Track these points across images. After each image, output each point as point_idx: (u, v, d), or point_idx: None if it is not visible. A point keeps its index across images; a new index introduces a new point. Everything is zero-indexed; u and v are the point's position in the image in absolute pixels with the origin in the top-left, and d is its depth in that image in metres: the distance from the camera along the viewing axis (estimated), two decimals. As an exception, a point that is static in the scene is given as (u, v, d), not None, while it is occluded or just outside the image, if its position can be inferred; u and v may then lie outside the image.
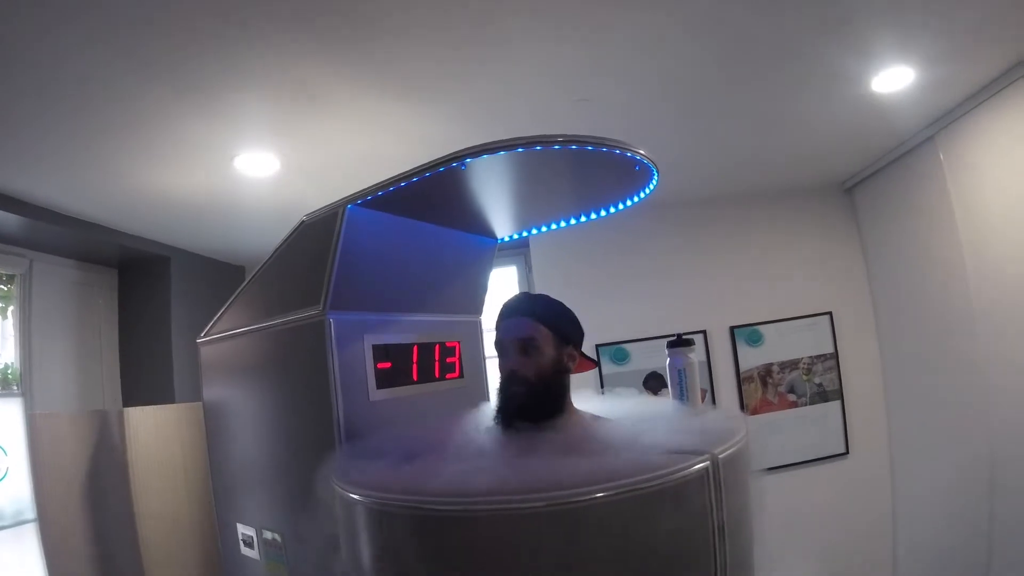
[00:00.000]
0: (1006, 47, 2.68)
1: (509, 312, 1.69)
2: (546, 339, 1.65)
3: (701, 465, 1.24)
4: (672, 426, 1.50)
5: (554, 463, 1.29)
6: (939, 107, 3.26)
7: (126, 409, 2.43)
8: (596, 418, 1.68)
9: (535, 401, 1.61)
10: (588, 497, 1.15)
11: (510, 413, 1.60)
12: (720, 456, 1.28)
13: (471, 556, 1.20)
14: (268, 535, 1.99)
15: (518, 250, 4.72)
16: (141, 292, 4.19)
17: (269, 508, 2.00)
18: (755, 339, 4.38)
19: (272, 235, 2.00)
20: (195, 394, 2.33)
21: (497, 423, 1.62)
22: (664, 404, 1.78)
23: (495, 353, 1.71)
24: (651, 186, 1.89)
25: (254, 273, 2.04)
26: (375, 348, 1.89)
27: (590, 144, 1.53)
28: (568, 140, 1.51)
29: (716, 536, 1.25)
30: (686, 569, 1.24)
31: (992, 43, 2.63)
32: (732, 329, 4.38)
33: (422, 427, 1.71)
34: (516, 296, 1.76)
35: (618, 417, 1.66)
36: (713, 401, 4.21)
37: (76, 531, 2.28)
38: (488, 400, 2.11)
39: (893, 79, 2.82)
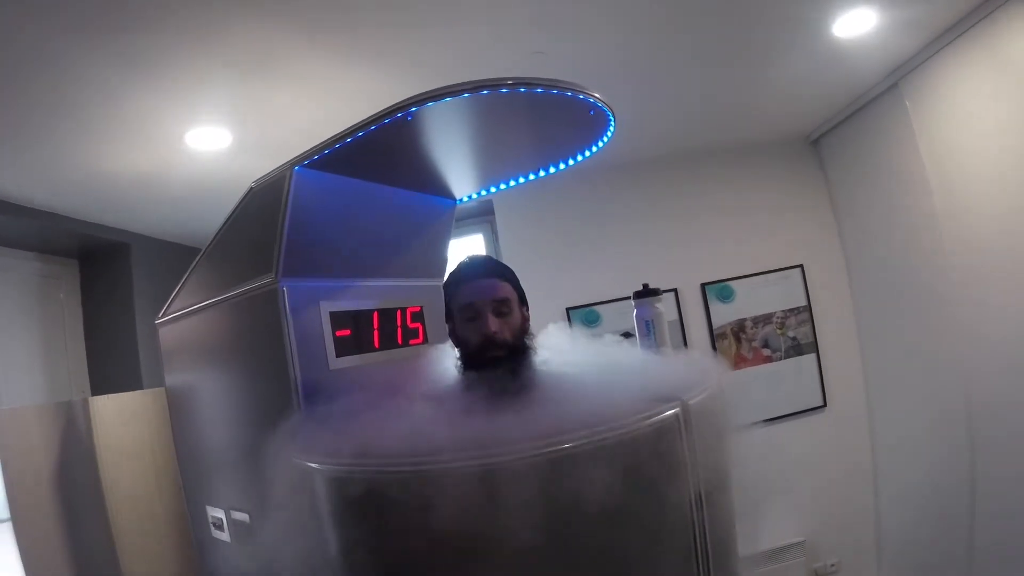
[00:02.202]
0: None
1: (475, 273, 1.63)
2: (514, 300, 1.63)
3: (670, 412, 1.21)
4: (642, 374, 1.46)
5: (527, 415, 1.25)
6: (902, 52, 3.22)
7: (91, 398, 2.37)
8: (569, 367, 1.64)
9: (515, 362, 1.56)
10: (555, 448, 1.12)
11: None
12: (690, 403, 1.25)
13: (442, 512, 1.15)
14: (237, 516, 1.94)
15: (484, 217, 4.68)
16: (103, 281, 4.10)
17: (236, 489, 1.95)
18: (727, 295, 4.36)
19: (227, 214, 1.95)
20: (162, 380, 2.28)
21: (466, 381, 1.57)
22: (631, 351, 1.74)
23: (457, 319, 1.64)
24: (609, 133, 1.84)
25: (206, 246, 1.98)
26: (333, 315, 1.83)
27: (539, 87, 1.48)
28: (517, 83, 1.46)
29: (691, 485, 1.23)
30: (664, 519, 1.22)
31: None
32: (703, 286, 4.36)
33: (381, 386, 1.66)
34: (474, 257, 1.71)
35: (585, 366, 1.61)
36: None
37: (49, 525, 2.22)
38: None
39: (854, 22, 2.78)
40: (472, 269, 1.65)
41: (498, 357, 1.55)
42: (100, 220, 3.74)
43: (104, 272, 4.09)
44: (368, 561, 1.26)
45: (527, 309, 1.69)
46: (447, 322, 1.70)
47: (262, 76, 2.44)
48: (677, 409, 1.23)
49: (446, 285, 1.69)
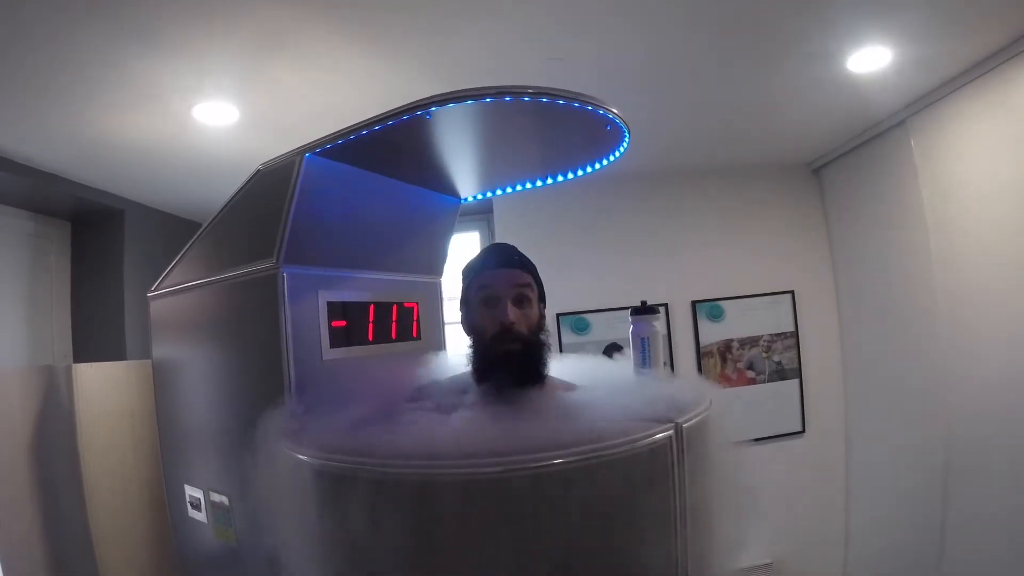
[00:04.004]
0: (985, 33, 2.65)
1: (499, 261, 1.60)
2: (534, 293, 1.61)
3: (664, 434, 1.22)
4: (638, 393, 1.46)
5: (522, 427, 1.25)
6: (913, 91, 3.23)
7: (75, 365, 2.36)
8: (567, 384, 1.63)
9: (530, 359, 1.55)
10: (547, 463, 1.13)
11: (501, 371, 1.50)
12: (684, 424, 1.25)
13: (432, 520, 1.17)
14: (216, 498, 1.94)
15: (481, 215, 4.67)
16: (95, 246, 4.06)
17: (217, 470, 1.95)
18: (716, 314, 4.38)
19: (229, 190, 1.92)
20: (147, 352, 2.26)
21: (479, 380, 1.55)
22: (627, 370, 1.74)
23: (473, 306, 1.61)
24: (621, 148, 1.84)
25: (207, 223, 1.97)
26: (330, 305, 1.83)
27: (561, 98, 1.48)
28: (539, 92, 1.45)
29: (677, 505, 1.24)
30: (646, 536, 1.22)
31: (971, 27, 2.59)
32: (694, 303, 4.37)
33: (380, 384, 1.65)
34: (498, 246, 1.69)
35: (586, 382, 1.61)
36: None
37: (23, 488, 2.21)
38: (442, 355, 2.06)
39: (870, 59, 2.79)
40: (495, 256, 1.62)
41: (512, 351, 1.52)
42: (97, 184, 3.70)
43: (96, 236, 4.05)
44: (342, 555, 1.26)
45: (544, 306, 1.66)
46: (461, 308, 1.66)
47: (274, 56, 2.42)
48: (671, 431, 1.23)
49: (466, 270, 1.66)
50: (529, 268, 1.62)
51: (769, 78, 2.97)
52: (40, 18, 2.04)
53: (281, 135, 3.03)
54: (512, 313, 1.53)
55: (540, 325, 1.61)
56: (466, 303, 1.64)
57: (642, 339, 1.74)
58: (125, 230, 4.03)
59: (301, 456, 1.30)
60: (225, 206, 1.91)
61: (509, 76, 2.62)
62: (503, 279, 1.56)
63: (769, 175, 4.51)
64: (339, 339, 1.85)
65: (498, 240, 4.25)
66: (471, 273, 1.63)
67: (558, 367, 1.71)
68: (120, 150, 3.19)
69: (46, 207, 3.80)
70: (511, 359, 1.51)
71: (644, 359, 1.73)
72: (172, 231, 4.40)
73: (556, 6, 2.27)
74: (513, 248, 1.66)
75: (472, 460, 1.13)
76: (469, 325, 1.62)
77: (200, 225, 2.00)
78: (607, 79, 2.84)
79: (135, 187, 3.90)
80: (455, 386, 1.57)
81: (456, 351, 1.99)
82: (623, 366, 1.75)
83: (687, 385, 1.62)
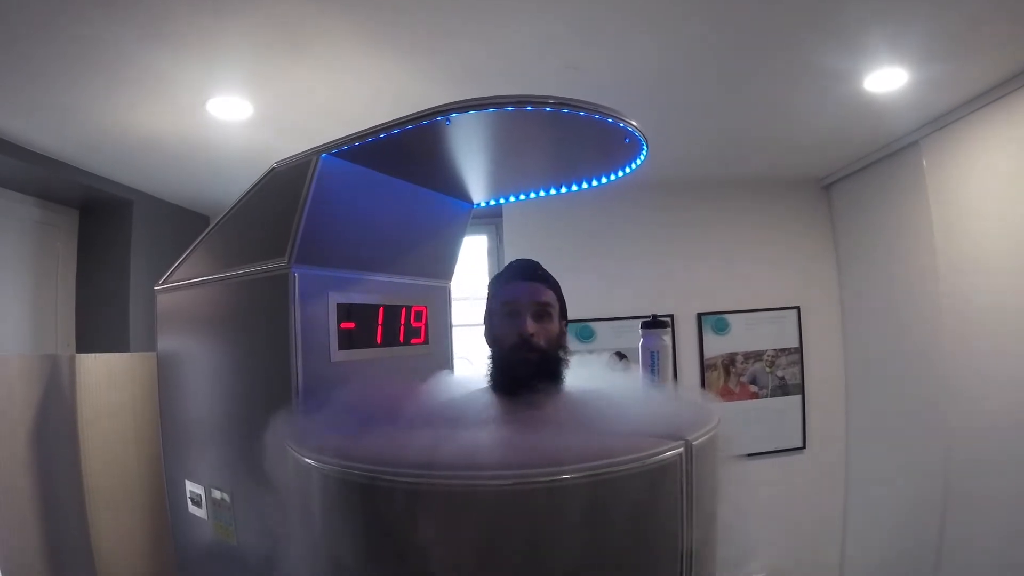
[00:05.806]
0: (1002, 58, 2.65)
1: (523, 274, 1.63)
2: (555, 309, 1.63)
3: (674, 451, 1.21)
4: (648, 408, 1.46)
5: (533, 440, 1.25)
6: (928, 112, 3.23)
7: (78, 355, 2.35)
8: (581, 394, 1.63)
9: (546, 371, 1.57)
10: (556, 477, 1.11)
11: (516, 380, 1.54)
12: (694, 443, 1.24)
13: (438, 530, 1.15)
14: (217, 495, 1.93)
15: (491, 219, 4.65)
16: (102, 235, 4.07)
17: (219, 467, 1.93)
18: (722, 327, 4.38)
19: (239, 185, 1.92)
20: (150, 344, 2.26)
21: (496, 389, 1.58)
22: (636, 381, 1.74)
23: (496, 317, 1.63)
24: (638, 161, 1.83)
25: (219, 219, 1.96)
26: (339, 307, 1.82)
27: (582, 109, 1.47)
28: (560, 103, 1.45)
29: (684, 523, 1.22)
30: (650, 553, 1.21)
31: (988, 53, 2.59)
32: (699, 315, 4.37)
33: (388, 389, 1.65)
34: (524, 261, 1.72)
35: (593, 393, 1.61)
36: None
37: (21, 477, 2.20)
38: (450, 368, 2.06)
39: (886, 79, 2.78)
40: (520, 270, 1.65)
41: (530, 359, 1.54)
42: (106, 173, 3.71)
43: (104, 226, 4.05)
44: (341, 561, 1.25)
45: (566, 323, 1.69)
46: (485, 322, 1.69)
47: (290, 54, 2.42)
48: (681, 449, 1.22)
49: (491, 283, 1.70)
50: (552, 284, 1.65)
51: (784, 93, 2.96)
52: (55, 8, 2.04)
53: (293, 133, 3.03)
54: (531, 325, 1.55)
55: (560, 340, 1.63)
56: (489, 314, 1.67)
57: (652, 353, 1.74)
58: (133, 220, 4.03)
59: (308, 460, 1.30)
60: (237, 203, 1.90)
61: (523, 81, 2.66)
62: (526, 292, 1.59)
63: (779, 189, 4.51)
64: (347, 341, 1.84)
65: (506, 245, 4.28)
66: (495, 285, 1.67)
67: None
68: (131, 141, 3.20)
69: (54, 194, 3.80)
70: (527, 368, 1.54)
71: (653, 372, 1.73)
72: (180, 223, 4.41)
73: (572, 15, 2.26)
74: (538, 264, 1.69)
75: (482, 472, 1.12)
76: (491, 335, 1.65)
77: (208, 218, 2.00)
78: (619, 87, 2.83)
79: (145, 178, 3.90)
80: (469, 400, 1.57)
81: (462, 360, 1.97)
82: (632, 378, 1.75)
83: (696, 400, 1.62)
